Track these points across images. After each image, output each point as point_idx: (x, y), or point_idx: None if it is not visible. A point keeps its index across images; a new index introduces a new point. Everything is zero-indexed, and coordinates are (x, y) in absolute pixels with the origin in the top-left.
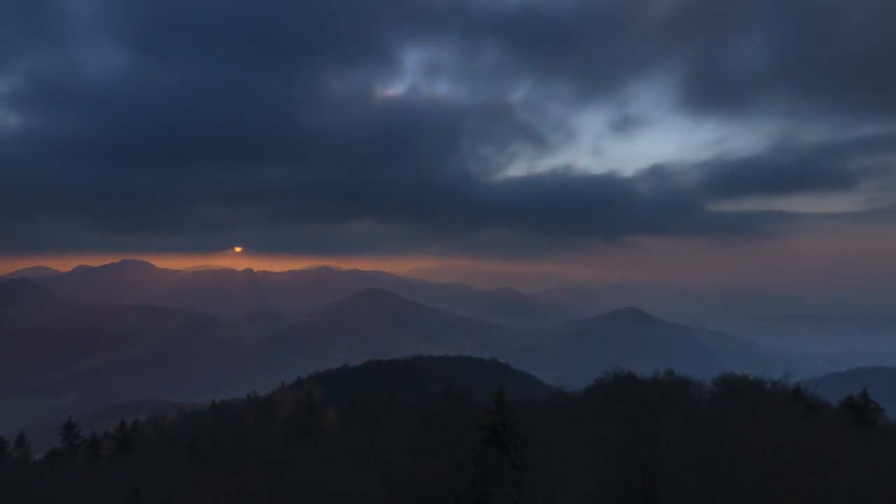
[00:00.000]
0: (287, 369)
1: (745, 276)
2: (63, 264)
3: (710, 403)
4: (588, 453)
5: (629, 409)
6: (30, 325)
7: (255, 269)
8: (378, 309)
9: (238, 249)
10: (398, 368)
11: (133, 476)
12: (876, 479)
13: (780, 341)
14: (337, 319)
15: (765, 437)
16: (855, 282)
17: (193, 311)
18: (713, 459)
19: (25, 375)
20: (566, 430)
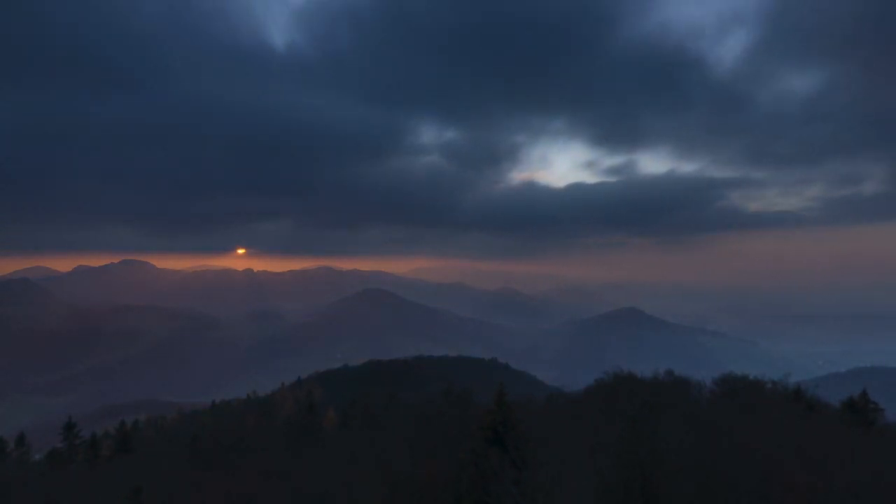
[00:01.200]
0: (287, 369)
1: (745, 276)
2: (63, 264)
3: (710, 403)
4: (588, 453)
5: (629, 409)
6: (30, 325)
7: (255, 269)
8: (378, 309)
9: (241, 251)
10: (398, 368)
11: (133, 476)
12: (876, 479)
13: (780, 341)
14: (337, 319)
15: (765, 437)
16: (854, 282)
17: (193, 311)
18: (713, 459)
19: (25, 375)
20: (566, 430)
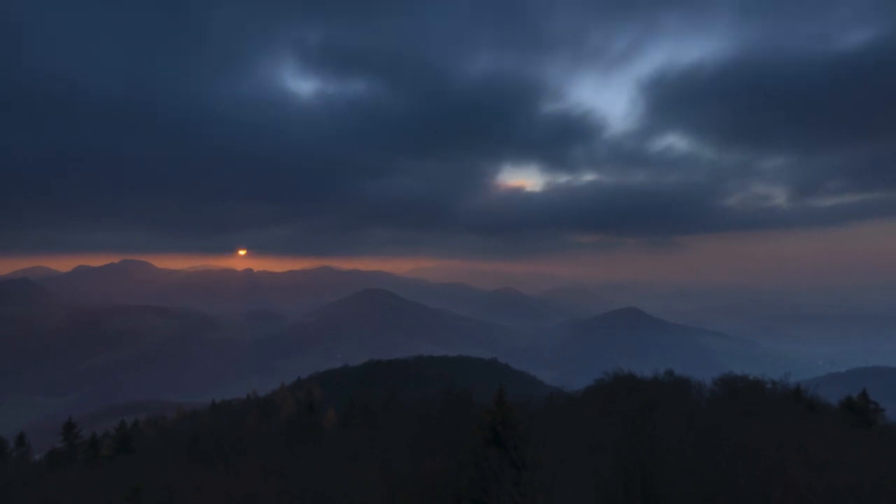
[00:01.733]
0: (287, 369)
1: (745, 276)
2: (63, 264)
3: (710, 403)
4: (588, 453)
5: (629, 409)
6: (30, 325)
7: (255, 270)
8: (378, 309)
9: (243, 252)
10: (398, 368)
11: (133, 476)
12: (876, 479)
13: (780, 341)
14: (337, 319)
15: (765, 437)
16: (854, 282)
17: (193, 311)
18: (713, 459)
19: (25, 375)
20: (566, 430)
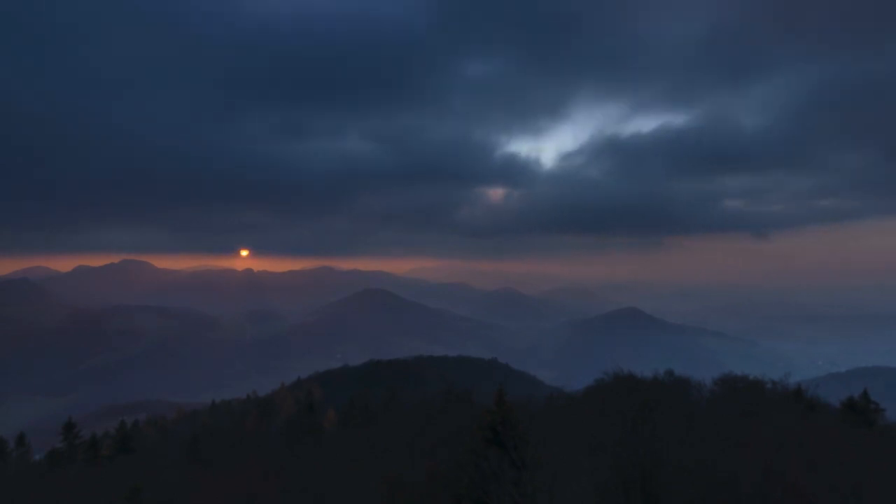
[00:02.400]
0: (287, 369)
1: (745, 276)
2: (63, 264)
3: (710, 403)
4: (587, 453)
5: (629, 409)
6: (30, 325)
7: (255, 269)
8: (378, 309)
9: (245, 252)
10: (398, 368)
11: (133, 476)
12: (876, 479)
13: (780, 341)
14: (337, 319)
15: (765, 437)
16: (854, 282)
17: (193, 311)
18: (713, 459)
19: (25, 375)
20: (566, 430)
